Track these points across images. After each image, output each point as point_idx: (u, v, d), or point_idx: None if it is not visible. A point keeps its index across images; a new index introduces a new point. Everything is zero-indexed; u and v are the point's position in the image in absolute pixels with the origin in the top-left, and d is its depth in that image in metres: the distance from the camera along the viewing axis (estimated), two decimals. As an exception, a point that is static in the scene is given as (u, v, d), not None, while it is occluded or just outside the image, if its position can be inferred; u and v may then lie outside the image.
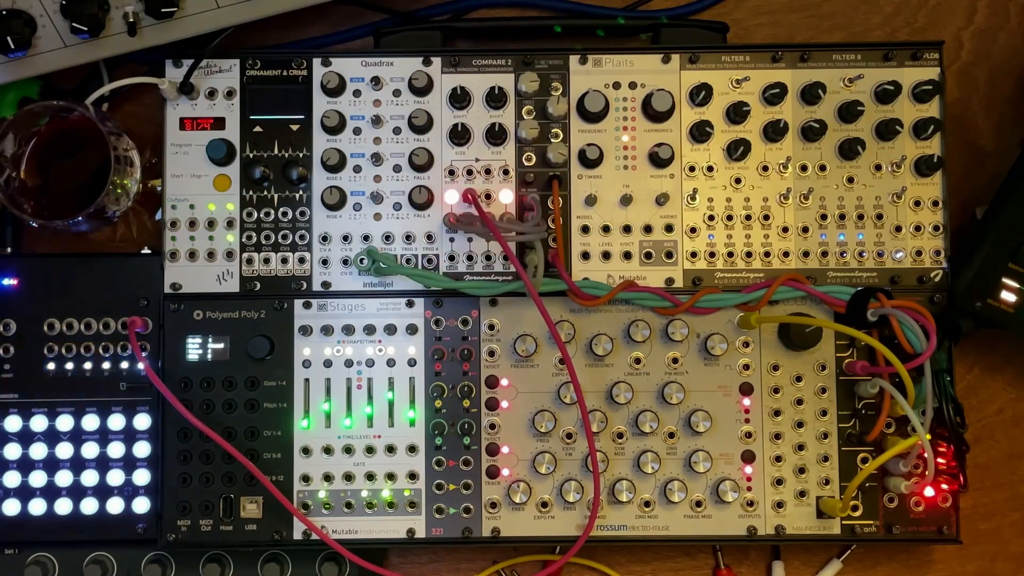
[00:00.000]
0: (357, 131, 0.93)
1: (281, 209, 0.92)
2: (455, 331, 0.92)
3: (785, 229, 0.92)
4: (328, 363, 0.92)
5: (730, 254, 0.92)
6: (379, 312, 0.92)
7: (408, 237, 0.92)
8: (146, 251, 0.94)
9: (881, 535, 0.91)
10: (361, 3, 0.98)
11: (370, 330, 0.92)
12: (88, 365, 0.92)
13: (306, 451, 0.91)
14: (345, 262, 0.92)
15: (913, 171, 0.92)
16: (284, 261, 0.92)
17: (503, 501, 0.91)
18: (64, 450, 0.91)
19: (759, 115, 0.93)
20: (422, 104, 0.92)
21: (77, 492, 0.91)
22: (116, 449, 0.91)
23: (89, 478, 0.91)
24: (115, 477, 0.91)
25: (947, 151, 0.92)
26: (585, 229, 0.92)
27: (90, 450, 0.91)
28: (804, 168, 0.92)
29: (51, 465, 0.91)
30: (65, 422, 0.91)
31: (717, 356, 0.91)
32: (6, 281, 0.92)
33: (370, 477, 0.91)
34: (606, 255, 0.92)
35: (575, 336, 0.92)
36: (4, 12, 0.85)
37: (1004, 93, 1.00)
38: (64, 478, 0.91)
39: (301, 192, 0.92)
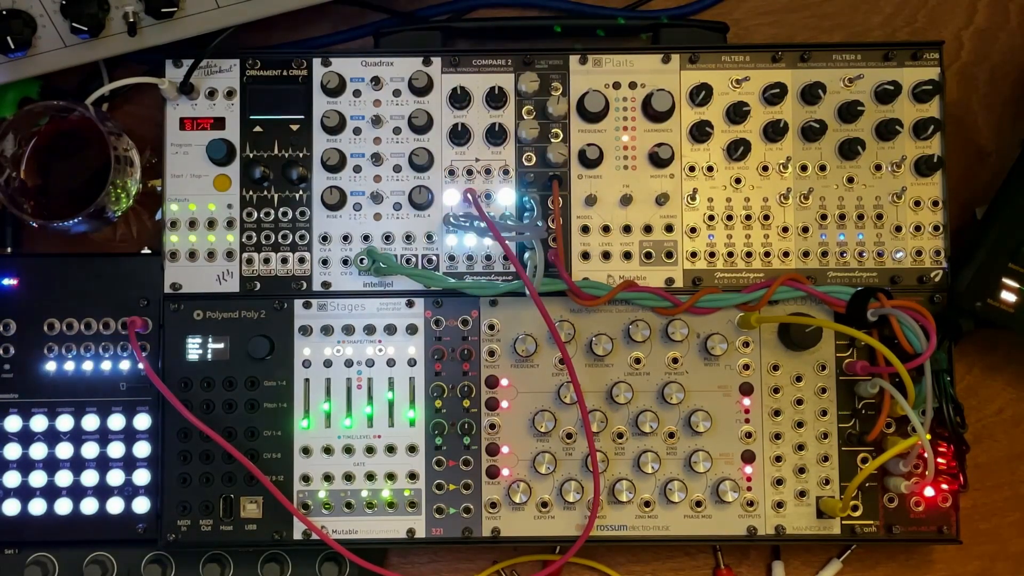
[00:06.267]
0: (357, 131, 0.93)
1: (281, 209, 0.92)
2: (455, 331, 0.92)
3: (785, 229, 0.92)
4: (328, 363, 0.92)
5: (730, 254, 0.92)
6: (379, 312, 0.92)
7: (408, 237, 0.92)
8: (146, 251, 0.94)
9: (881, 535, 0.91)
10: (361, 3, 0.98)
11: (370, 330, 0.92)
12: (88, 365, 0.92)
13: (306, 451, 0.91)
14: (345, 262, 0.92)
15: (913, 171, 0.92)
16: (284, 261, 0.92)
17: (503, 501, 0.91)
18: (64, 450, 0.91)
19: (759, 115, 0.93)
20: (422, 104, 0.92)
21: (77, 492, 0.91)
22: (116, 449, 0.91)
23: (89, 478, 0.91)
24: (115, 477, 0.91)
25: (947, 151, 0.92)
26: (585, 229, 0.92)
27: (90, 450, 0.91)
28: (804, 168, 0.92)
29: (51, 465, 0.91)
30: (65, 422, 0.91)
31: (717, 356, 0.91)
32: (6, 281, 0.92)
33: (370, 477, 0.91)
34: (606, 255, 0.92)
35: (575, 336, 0.92)
36: (4, 12, 0.85)
37: (1004, 93, 1.00)
38: (64, 478, 0.91)
39: (301, 192, 0.92)
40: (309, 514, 0.91)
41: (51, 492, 0.91)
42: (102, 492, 0.91)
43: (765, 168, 0.92)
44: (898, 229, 0.92)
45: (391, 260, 0.91)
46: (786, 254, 0.92)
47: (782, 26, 1.01)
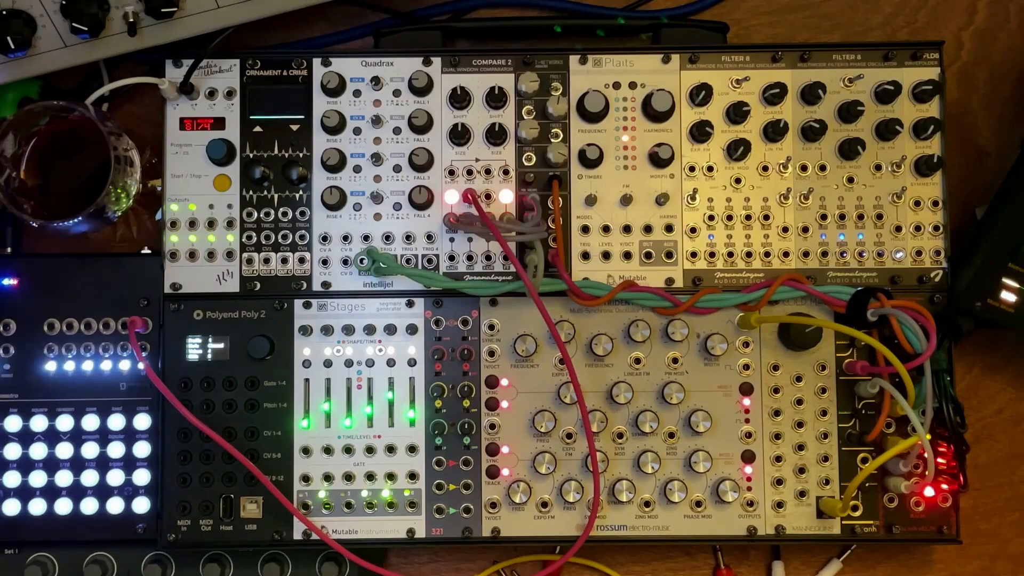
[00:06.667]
0: (357, 131, 0.93)
1: (281, 209, 0.92)
2: (455, 331, 0.92)
3: (785, 229, 0.92)
4: (328, 363, 0.92)
5: (730, 254, 0.92)
6: (379, 312, 0.92)
7: (408, 237, 0.92)
8: (146, 251, 0.94)
9: (881, 535, 0.91)
10: (361, 3, 0.98)
11: (370, 330, 0.92)
12: (88, 365, 0.92)
13: (306, 451, 0.91)
14: (345, 262, 0.92)
15: (913, 171, 0.92)
16: (284, 261, 0.92)
17: (503, 501, 0.91)
18: (64, 450, 0.91)
19: (759, 115, 0.93)
20: (422, 104, 0.92)
21: (77, 492, 0.91)
22: (116, 449, 0.91)
23: (89, 478, 0.91)
24: (115, 477, 0.91)
25: (947, 151, 0.92)
26: (585, 229, 0.92)
27: (90, 450, 0.91)
28: (804, 168, 0.92)
29: (51, 465, 0.91)
30: (65, 422, 0.91)
31: (717, 356, 0.91)
32: (6, 281, 0.92)
33: (370, 477, 0.91)
34: (606, 255, 0.92)
35: (575, 336, 0.92)
36: (4, 12, 0.85)
37: (1004, 93, 1.00)
38: (64, 478, 0.91)
39: (301, 192, 0.92)
40: (309, 514, 0.91)
41: (51, 492, 0.91)
42: (102, 492, 0.91)
43: (765, 168, 0.92)
44: (898, 229, 0.92)
45: (391, 260, 0.91)
46: (786, 254, 0.92)
47: (782, 26, 1.01)
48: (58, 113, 0.90)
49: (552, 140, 0.92)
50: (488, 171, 0.92)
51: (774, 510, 0.91)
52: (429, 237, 0.92)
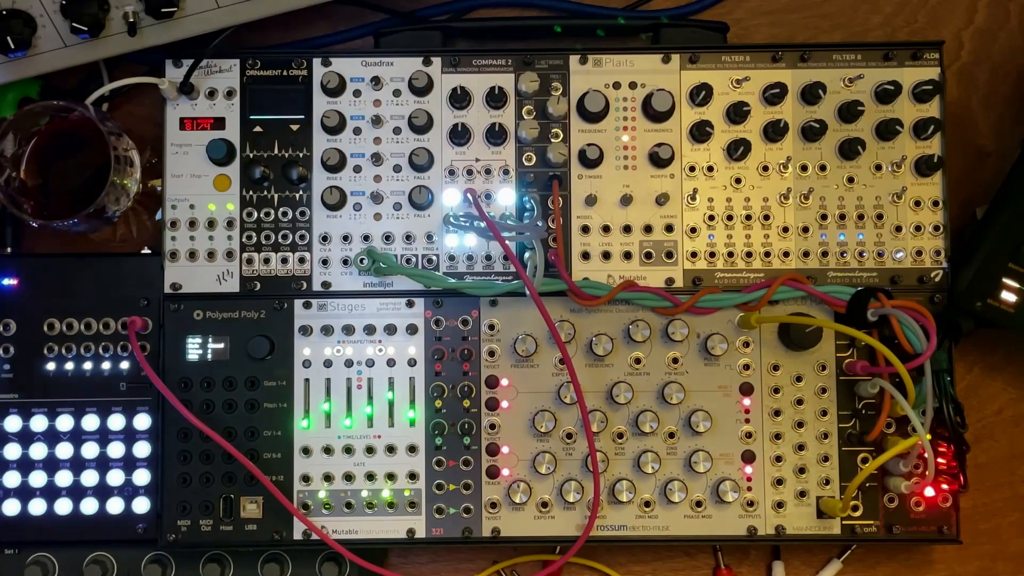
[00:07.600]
0: (357, 131, 0.93)
1: (281, 209, 0.92)
2: (455, 331, 0.92)
3: (785, 229, 0.92)
4: (328, 363, 0.92)
5: (730, 254, 0.92)
6: (379, 312, 0.92)
7: (408, 237, 0.92)
8: (146, 251, 0.94)
9: (881, 535, 0.91)
10: (361, 3, 0.98)
11: (370, 330, 0.92)
12: (88, 365, 0.92)
13: (306, 451, 0.91)
14: (345, 262, 0.92)
15: (913, 171, 0.92)
16: (284, 261, 0.92)
17: (503, 501, 0.91)
18: (64, 450, 0.91)
19: (759, 115, 0.93)
20: (422, 104, 0.92)
21: (77, 492, 0.91)
22: (116, 449, 0.91)
23: (89, 478, 0.91)
24: (115, 477, 0.91)
25: (947, 151, 0.92)
26: (585, 229, 0.92)
27: (90, 450, 0.91)
28: (804, 168, 0.92)
29: (51, 465, 0.91)
30: (65, 422, 0.91)
31: (717, 356, 0.91)
32: (6, 281, 0.92)
33: (370, 477, 0.91)
34: (606, 255, 0.92)
35: (575, 336, 0.92)
36: (4, 12, 0.85)
37: (1004, 93, 1.00)
38: (64, 478, 0.91)
39: (301, 192, 0.92)
40: (309, 514, 0.91)
41: (51, 492, 0.91)
42: (102, 492, 0.91)
43: (765, 168, 0.92)
44: (898, 229, 0.92)
45: (391, 260, 0.91)
46: (786, 254, 0.92)
47: (782, 26, 1.01)
48: (58, 113, 0.90)
49: (552, 140, 0.92)
50: (488, 171, 0.92)
51: (774, 510, 0.91)
52: (429, 237, 0.92)
